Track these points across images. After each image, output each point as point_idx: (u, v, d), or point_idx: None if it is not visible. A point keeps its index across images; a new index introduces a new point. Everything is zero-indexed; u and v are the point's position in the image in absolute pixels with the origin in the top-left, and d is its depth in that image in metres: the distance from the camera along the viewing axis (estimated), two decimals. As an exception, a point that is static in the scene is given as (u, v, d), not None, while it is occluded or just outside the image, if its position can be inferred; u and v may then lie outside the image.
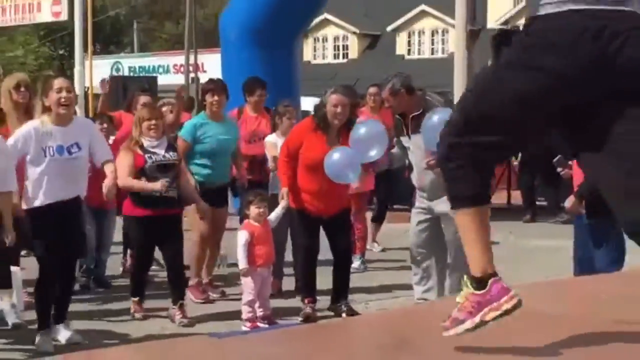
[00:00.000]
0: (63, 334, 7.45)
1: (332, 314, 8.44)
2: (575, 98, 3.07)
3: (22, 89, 8.06)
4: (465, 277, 3.21)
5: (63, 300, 7.61)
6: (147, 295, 8.85)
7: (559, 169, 8.32)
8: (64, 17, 22.79)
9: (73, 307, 7.95)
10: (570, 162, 7.80)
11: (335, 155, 7.97)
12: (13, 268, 8.19)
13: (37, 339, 7.33)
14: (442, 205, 7.49)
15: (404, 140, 8.18)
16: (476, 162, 3.13)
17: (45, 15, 23.76)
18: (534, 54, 3.05)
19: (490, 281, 3.07)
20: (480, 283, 3.09)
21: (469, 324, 3.07)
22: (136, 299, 8.54)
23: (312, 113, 9.17)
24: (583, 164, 3.31)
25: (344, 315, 8.14)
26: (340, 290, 8.51)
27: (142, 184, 8.05)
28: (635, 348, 3.28)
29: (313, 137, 8.31)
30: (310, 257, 8.55)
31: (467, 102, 3.35)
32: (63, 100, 7.30)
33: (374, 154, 8.13)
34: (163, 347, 4.41)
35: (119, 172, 8.09)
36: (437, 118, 7.44)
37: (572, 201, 7.63)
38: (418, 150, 7.92)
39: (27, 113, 7.92)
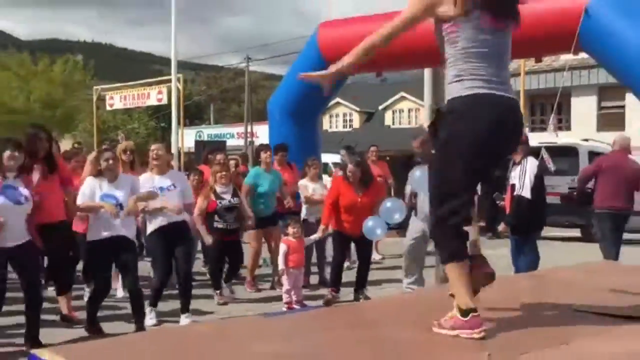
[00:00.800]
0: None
1: (353, 299, 8.29)
2: (488, 163, 3.10)
3: (128, 152, 8.06)
4: (456, 306, 3.00)
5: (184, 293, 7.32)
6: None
7: (497, 201, 8.62)
8: (164, 101, 22.93)
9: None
10: (503, 197, 8.02)
11: (370, 222, 7.97)
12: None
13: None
14: None
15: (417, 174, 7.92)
16: (456, 230, 3.06)
17: (152, 101, 23.83)
18: (459, 137, 3.00)
19: (470, 314, 2.93)
20: (464, 313, 2.95)
21: (447, 332, 2.97)
22: (217, 291, 8.45)
23: (340, 172, 9.04)
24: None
25: (362, 299, 8.06)
26: (361, 284, 8.46)
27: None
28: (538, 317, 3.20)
29: (344, 187, 8.33)
30: (341, 263, 8.51)
31: (432, 189, 3.26)
32: (157, 152, 7.40)
33: (397, 217, 8.14)
34: (231, 322, 4.32)
35: (196, 211, 8.18)
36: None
37: (503, 225, 7.80)
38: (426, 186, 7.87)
39: (132, 168, 7.91)
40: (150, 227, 7.35)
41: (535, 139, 10.37)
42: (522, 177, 7.53)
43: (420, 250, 8.22)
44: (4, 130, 30.40)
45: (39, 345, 5.92)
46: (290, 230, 8.16)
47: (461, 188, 3.05)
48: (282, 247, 8.11)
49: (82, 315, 7.12)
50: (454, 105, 3.07)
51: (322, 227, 8.43)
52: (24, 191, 6.28)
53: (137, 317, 6.79)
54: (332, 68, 3.16)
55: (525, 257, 7.70)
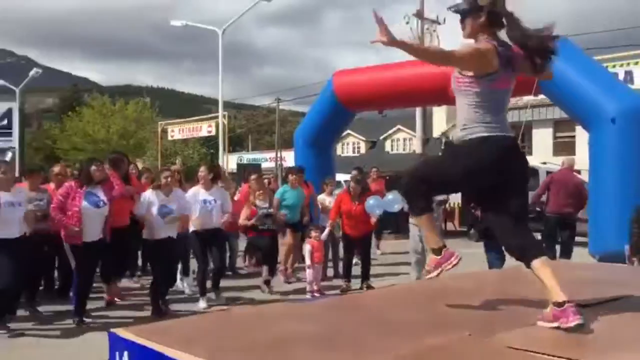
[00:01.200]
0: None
1: (359, 288, 8.31)
2: (475, 185, 2.96)
3: (176, 173, 7.89)
4: (430, 249, 3.04)
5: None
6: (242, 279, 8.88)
7: (473, 210, 8.26)
8: (213, 133, 23.17)
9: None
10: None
11: (372, 201, 8.33)
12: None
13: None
14: None
15: None
16: (425, 193, 3.00)
17: (203, 132, 24.22)
18: (459, 156, 2.89)
19: (443, 250, 2.93)
20: (438, 252, 2.94)
21: (434, 273, 2.95)
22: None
23: (345, 186, 9.34)
24: (482, 212, 3.09)
25: (365, 289, 8.14)
26: (365, 275, 8.54)
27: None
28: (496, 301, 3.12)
29: (345, 198, 8.53)
30: (349, 259, 8.68)
31: (422, 164, 3.24)
32: (203, 174, 7.42)
33: (396, 207, 8.29)
34: (268, 306, 4.24)
35: (242, 216, 8.37)
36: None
37: (472, 231, 7.93)
38: None
39: (181, 186, 7.82)
40: (191, 229, 7.32)
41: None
42: None
43: (423, 250, 8.06)
44: (88, 155, 30.67)
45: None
46: (313, 233, 8.15)
47: (442, 180, 2.97)
48: (307, 247, 8.08)
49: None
50: (460, 145, 2.95)
51: (329, 222, 8.60)
52: (103, 197, 6.35)
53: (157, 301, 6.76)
54: (392, 40, 2.70)
55: (495, 256, 7.63)
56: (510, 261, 7.22)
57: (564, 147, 28.58)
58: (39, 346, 5.59)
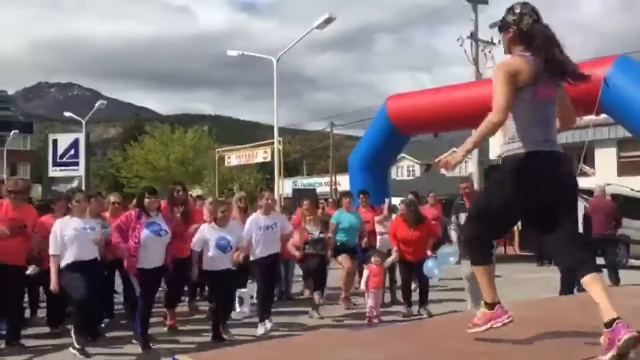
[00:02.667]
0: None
1: (417, 314, 8.24)
2: (527, 205, 2.88)
3: (242, 200, 8.16)
4: (483, 302, 2.96)
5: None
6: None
7: None
8: (269, 159, 23.15)
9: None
10: None
11: (430, 263, 8.14)
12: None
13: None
14: None
15: (462, 217, 7.79)
16: (485, 240, 2.99)
17: (259, 158, 24.26)
18: (505, 180, 2.87)
19: (497, 306, 2.87)
20: (491, 306, 2.88)
21: (482, 329, 2.88)
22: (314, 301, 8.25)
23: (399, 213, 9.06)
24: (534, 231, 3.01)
25: (425, 315, 8.11)
26: (424, 301, 8.47)
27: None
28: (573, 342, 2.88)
29: (400, 224, 8.50)
30: (408, 284, 8.58)
31: (474, 206, 3.29)
32: (269, 202, 7.49)
33: (452, 260, 8.15)
34: (327, 333, 4.38)
35: (295, 242, 8.25)
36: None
37: None
38: None
39: (245, 213, 7.89)
40: (253, 257, 7.36)
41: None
42: None
43: (474, 278, 7.98)
44: (149, 183, 31.60)
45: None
46: (373, 259, 8.08)
47: (495, 217, 2.94)
48: (365, 273, 8.01)
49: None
50: (506, 162, 2.96)
51: (395, 249, 8.53)
52: (164, 226, 6.51)
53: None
54: (461, 153, 3.08)
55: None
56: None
57: (629, 167, 27.50)
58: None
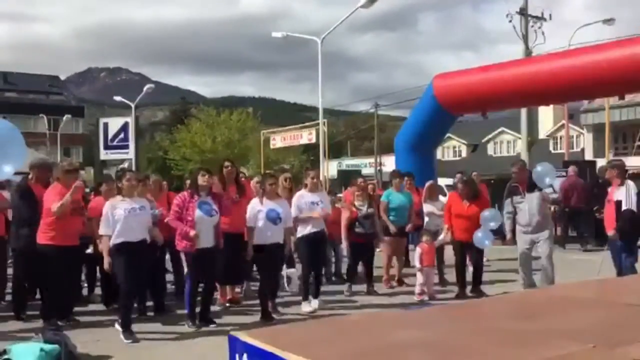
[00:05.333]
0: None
1: (470, 294, 8.29)
2: None
3: (288, 180, 8.22)
4: None
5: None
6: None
7: (597, 215, 8.22)
8: (313, 140, 23.33)
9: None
10: (602, 211, 7.75)
11: (479, 234, 8.06)
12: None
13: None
14: (542, 235, 7.65)
15: (517, 198, 7.86)
16: None
17: (304, 140, 24.43)
18: None
19: None
20: None
21: None
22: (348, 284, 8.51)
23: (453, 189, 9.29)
24: None
25: (478, 295, 8.01)
26: (477, 281, 8.48)
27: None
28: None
29: (456, 200, 8.48)
30: (463, 264, 8.54)
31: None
32: (314, 180, 7.63)
33: (493, 224, 8.03)
34: (378, 314, 4.28)
35: (343, 222, 8.46)
36: (539, 168, 7.85)
37: (613, 232, 7.38)
38: (532, 202, 7.70)
39: (290, 192, 8.04)
40: (299, 234, 7.45)
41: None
42: (628, 196, 7.31)
43: (528, 259, 7.99)
44: (196, 165, 32.12)
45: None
46: (424, 237, 8.20)
47: None
48: (417, 250, 8.16)
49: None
50: None
51: (446, 227, 8.55)
52: (214, 206, 6.62)
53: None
54: None
55: (628, 258, 7.41)
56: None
57: (688, 146, 26.45)
58: (166, 346, 5.95)
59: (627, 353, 2.21)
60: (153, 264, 6.91)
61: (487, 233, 8.00)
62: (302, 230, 7.41)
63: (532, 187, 7.76)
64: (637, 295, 3.43)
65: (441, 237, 8.48)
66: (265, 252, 6.85)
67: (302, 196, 7.50)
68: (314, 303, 7.34)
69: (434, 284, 9.06)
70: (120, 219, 6.04)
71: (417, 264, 8.12)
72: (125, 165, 26.64)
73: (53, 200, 6.36)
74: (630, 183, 7.52)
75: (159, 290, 7.35)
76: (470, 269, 8.74)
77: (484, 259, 11.30)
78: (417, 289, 8.02)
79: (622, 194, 7.36)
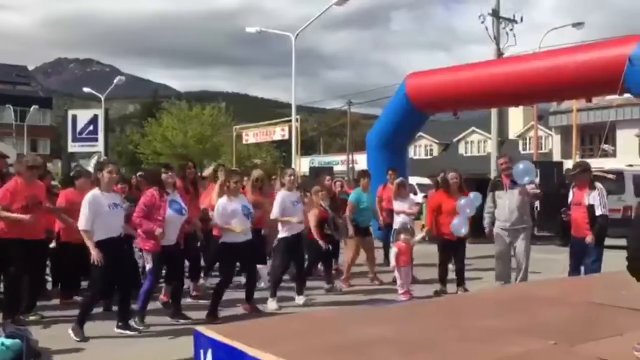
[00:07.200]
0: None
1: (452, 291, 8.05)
2: None
3: (259, 180, 8.05)
4: None
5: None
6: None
7: (563, 216, 8.38)
8: (287, 137, 23.29)
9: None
10: (569, 213, 7.54)
11: (456, 221, 7.91)
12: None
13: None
14: (521, 232, 7.64)
15: (499, 193, 7.86)
16: None
17: (277, 136, 24.38)
18: None
19: None
20: None
21: None
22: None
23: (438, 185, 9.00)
24: None
25: (460, 292, 7.92)
26: (461, 279, 8.26)
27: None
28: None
29: (445, 196, 8.27)
30: (446, 264, 8.35)
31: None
32: (292, 178, 7.50)
33: (469, 211, 7.95)
34: (348, 310, 4.27)
35: (312, 221, 8.19)
36: (522, 165, 7.70)
37: (591, 238, 7.18)
38: (513, 197, 7.68)
39: (261, 189, 7.86)
40: (282, 235, 7.40)
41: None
42: (601, 200, 7.29)
43: (506, 256, 7.92)
44: (167, 159, 31.78)
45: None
46: (402, 236, 8.11)
47: None
48: (394, 250, 8.09)
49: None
50: None
51: (426, 229, 8.48)
52: (183, 205, 6.53)
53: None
54: None
55: (596, 262, 7.33)
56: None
57: (652, 148, 27.13)
58: (134, 341, 5.83)
59: (587, 350, 2.28)
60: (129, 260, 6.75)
61: (465, 221, 8.03)
62: (285, 232, 7.39)
63: (515, 182, 7.76)
64: (599, 294, 3.52)
65: (418, 237, 8.37)
66: (238, 250, 6.73)
67: (286, 196, 7.43)
68: (300, 300, 7.42)
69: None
70: (104, 214, 5.80)
71: (392, 263, 8.10)
72: (94, 159, 26.20)
73: (5, 195, 6.19)
74: (601, 187, 7.52)
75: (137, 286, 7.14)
76: (452, 267, 8.62)
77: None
78: (399, 289, 7.96)
79: (594, 199, 7.32)
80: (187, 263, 7.79)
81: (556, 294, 3.46)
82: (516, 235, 7.76)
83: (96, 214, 5.78)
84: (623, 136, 28.94)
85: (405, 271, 7.98)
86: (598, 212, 7.27)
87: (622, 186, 14.59)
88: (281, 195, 7.44)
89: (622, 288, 3.56)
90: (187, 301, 7.41)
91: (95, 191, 5.92)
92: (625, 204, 13.93)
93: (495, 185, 8.06)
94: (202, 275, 8.31)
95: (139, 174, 10.09)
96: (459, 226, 8.01)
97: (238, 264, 7.26)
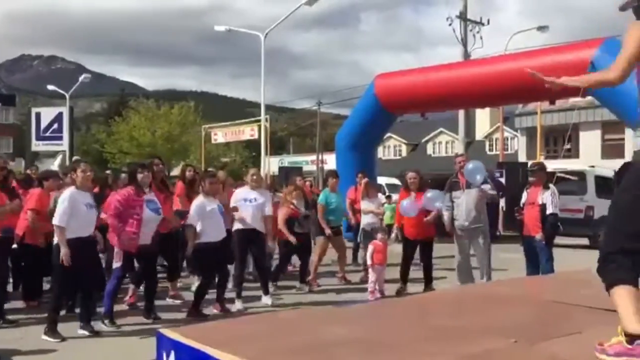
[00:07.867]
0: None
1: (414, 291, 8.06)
2: None
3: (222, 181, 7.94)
4: (620, 328, 2.28)
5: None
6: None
7: (516, 215, 7.92)
8: (256, 136, 22.87)
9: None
10: (522, 212, 7.64)
11: (404, 203, 8.09)
12: None
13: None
14: (478, 231, 7.74)
15: (456, 193, 7.91)
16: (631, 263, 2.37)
17: (246, 136, 23.88)
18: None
19: (637, 341, 2.22)
20: (631, 340, 2.23)
21: (611, 358, 2.22)
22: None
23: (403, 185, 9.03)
24: None
25: (428, 291, 7.87)
26: (429, 278, 8.38)
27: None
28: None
29: (405, 195, 8.39)
30: (409, 262, 8.40)
31: (607, 226, 2.58)
32: (255, 177, 7.54)
33: (438, 204, 8.02)
34: (311, 310, 4.28)
35: (280, 218, 8.31)
36: (471, 165, 7.88)
37: (541, 236, 7.32)
38: (469, 197, 7.78)
39: (223, 188, 7.71)
40: (234, 228, 7.37)
41: (550, 165, 10.12)
42: (553, 199, 7.45)
43: (465, 261, 8.02)
44: (134, 159, 31.32)
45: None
46: (379, 236, 8.12)
47: (631, 229, 2.39)
48: (370, 248, 8.09)
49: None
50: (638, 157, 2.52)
51: (396, 227, 8.62)
52: (159, 204, 6.47)
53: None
54: (570, 80, 2.72)
55: (549, 261, 7.48)
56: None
57: (613, 149, 27.78)
58: (100, 342, 5.74)
59: (547, 348, 2.32)
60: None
61: (414, 204, 8.12)
62: (236, 225, 7.40)
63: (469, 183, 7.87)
64: (558, 293, 3.59)
65: (393, 235, 8.49)
66: (213, 249, 6.70)
67: (238, 193, 7.54)
68: (266, 299, 7.36)
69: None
70: (81, 213, 5.73)
71: (368, 262, 8.11)
72: (59, 158, 25.68)
73: None
74: (554, 187, 7.69)
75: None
76: (415, 267, 8.78)
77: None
78: (369, 287, 7.98)
79: (546, 198, 7.49)
80: (165, 263, 7.86)
81: (518, 293, 3.52)
82: (473, 234, 7.84)
83: (72, 211, 5.70)
84: (586, 138, 29.61)
85: (379, 270, 7.99)
86: (549, 211, 7.46)
87: (584, 186, 14.89)
88: (237, 192, 7.54)
89: (582, 287, 3.67)
90: (167, 302, 7.41)
91: (72, 189, 5.85)
92: (587, 204, 14.23)
93: (451, 186, 8.08)
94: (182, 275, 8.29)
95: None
96: (408, 208, 8.09)
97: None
